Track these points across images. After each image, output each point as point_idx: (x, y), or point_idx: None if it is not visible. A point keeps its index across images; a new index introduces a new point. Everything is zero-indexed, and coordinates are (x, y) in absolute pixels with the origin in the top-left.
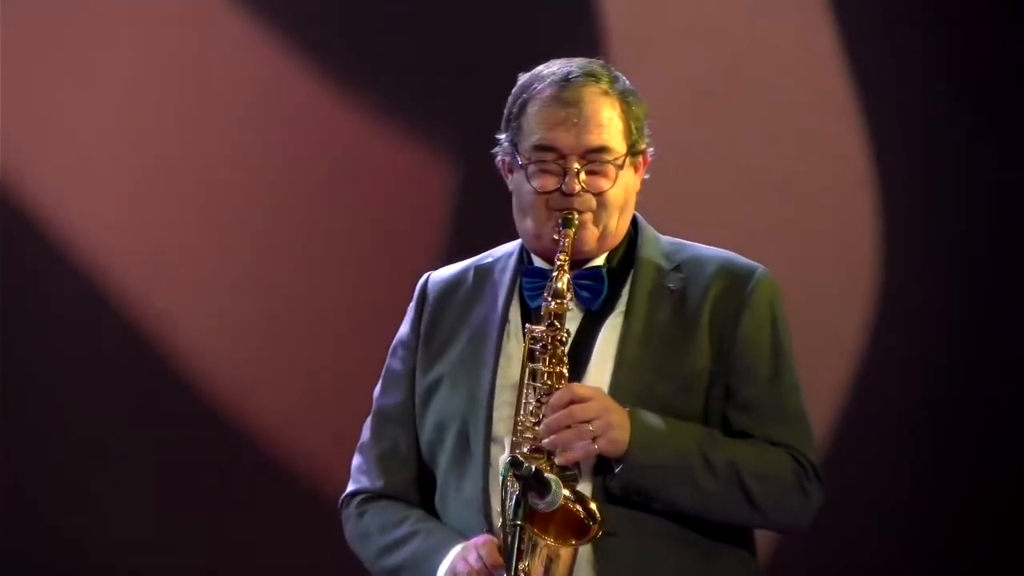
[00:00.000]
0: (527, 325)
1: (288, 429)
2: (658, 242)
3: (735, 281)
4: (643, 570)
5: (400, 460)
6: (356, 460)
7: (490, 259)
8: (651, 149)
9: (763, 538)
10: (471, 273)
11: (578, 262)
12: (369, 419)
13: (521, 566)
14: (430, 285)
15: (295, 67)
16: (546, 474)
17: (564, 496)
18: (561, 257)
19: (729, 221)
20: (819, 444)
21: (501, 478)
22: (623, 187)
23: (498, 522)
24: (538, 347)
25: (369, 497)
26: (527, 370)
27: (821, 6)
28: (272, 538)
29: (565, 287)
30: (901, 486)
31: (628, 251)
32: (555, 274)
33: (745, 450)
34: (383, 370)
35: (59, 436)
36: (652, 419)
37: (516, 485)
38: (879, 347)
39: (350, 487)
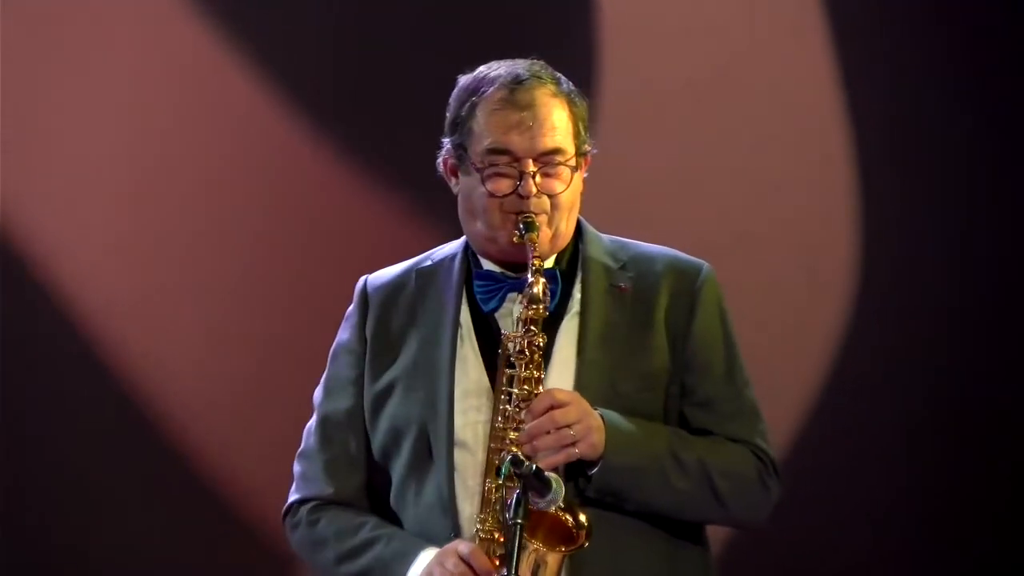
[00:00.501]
0: (504, 332)
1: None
2: (601, 241)
3: (684, 279)
4: (614, 569)
5: (350, 466)
6: (300, 467)
7: (430, 262)
8: (594, 150)
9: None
10: (413, 276)
11: (520, 266)
12: (313, 426)
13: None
14: (370, 289)
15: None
16: (547, 473)
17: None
18: (536, 263)
19: (720, 220)
20: (797, 447)
21: (501, 477)
22: (574, 189)
23: (466, 525)
24: (515, 353)
25: (320, 504)
26: (504, 376)
27: (815, 6)
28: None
29: (541, 292)
30: (894, 486)
31: (574, 252)
32: (531, 280)
33: (711, 448)
34: (324, 376)
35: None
36: (622, 421)
37: (517, 483)
38: (866, 347)
39: (296, 495)
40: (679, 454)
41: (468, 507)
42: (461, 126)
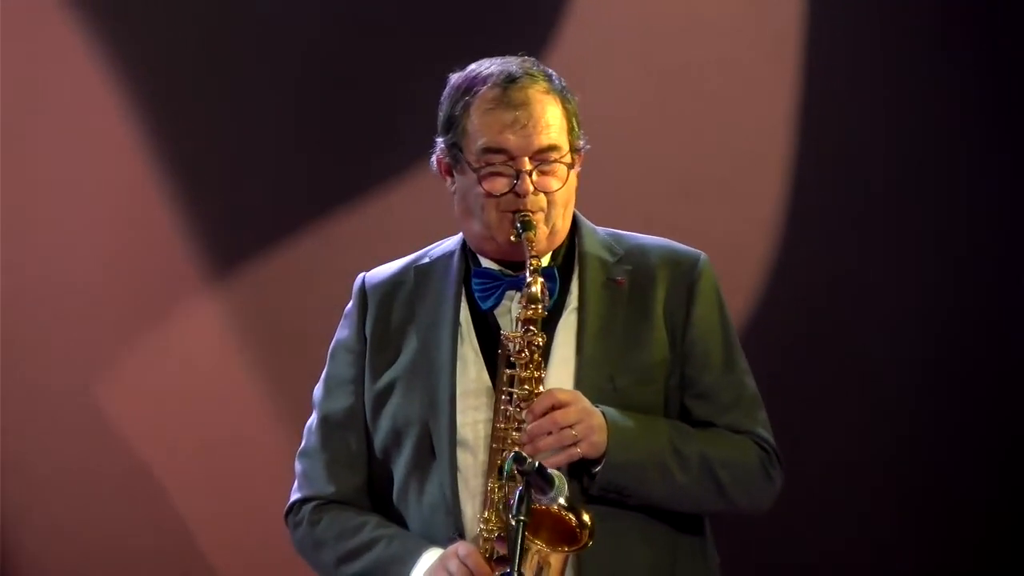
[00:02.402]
0: (503, 332)
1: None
2: (596, 235)
3: (681, 269)
4: (619, 563)
5: (350, 466)
6: (301, 466)
7: (428, 259)
8: (588, 146)
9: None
10: (411, 273)
11: (518, 264)
12: (313, 424)
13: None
14: (368, 286)
15: None
16: (549, 470)
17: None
18: (533, 262)
19: (711, 217)
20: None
21: (504, 475)
22: (569, 186)
23: (469, 525)
24: (515, 353)
25: (322, 504)
26: (504, 376)
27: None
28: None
29: (539, 292)
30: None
31: (570, 247)
32: (529, 279)
33: (712, 440)
34: (324, 375)
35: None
36: (623, 418)
37: (520, 481)
38: (861, 345)
39: (298, 493)
40: (680, 448)
41: (470, 507)
42: (455, 125)
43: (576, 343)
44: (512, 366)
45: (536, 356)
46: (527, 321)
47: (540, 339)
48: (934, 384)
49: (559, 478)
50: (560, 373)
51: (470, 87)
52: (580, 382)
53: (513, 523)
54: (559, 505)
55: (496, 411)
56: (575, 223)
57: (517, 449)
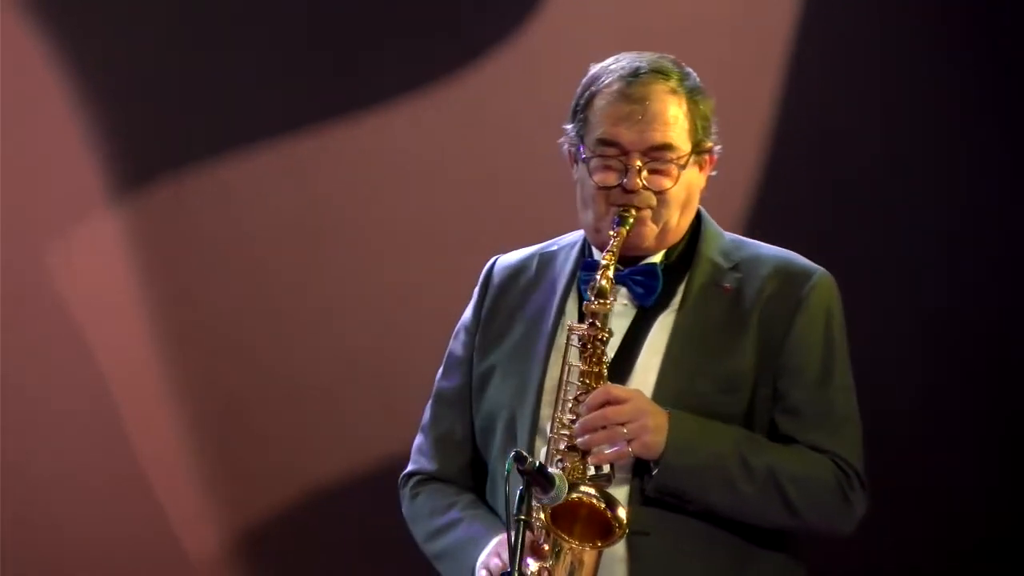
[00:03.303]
0: (570, 324)
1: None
2: (719, 239)
3: (791, 283)
4: (675, 570)
5: (455, 444)
6: (417, 439)
7: (555, 247)
8: (718, 147)
9: None
10: (535, 260)
11: (635, 258)
12: (431, 399)
13: (540, 565)
14: (496, 270)
15: None
16: (550, 469)
17: (587, 494)
18: (606, 257)
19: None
20: None
21: (507, 472)
22: (685, 185)
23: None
24: (579, 346)
25: (424, 479)
26: (567, 368)
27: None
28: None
29: (608, 286)
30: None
31: (688, 247)
32: (598, 274)
33: (785, 454)
34: (446, 352)
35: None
36: (691, 421)
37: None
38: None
39: (409, 466)
40: (748, 458)
41: None
42: (579, 114)
43: (667, 343)
44: (576, 358)
45: (599, 350)
46: (592, 315)
47: (604, 334)
48: (934, 384)
49: (559, 478)
50: (645, 370)
51: (598, 77)
52: (661, 383)
53: (514, 521)
54: (588, 495)
55: (556, 402)
56: (699, 224)
57: (518, 449)
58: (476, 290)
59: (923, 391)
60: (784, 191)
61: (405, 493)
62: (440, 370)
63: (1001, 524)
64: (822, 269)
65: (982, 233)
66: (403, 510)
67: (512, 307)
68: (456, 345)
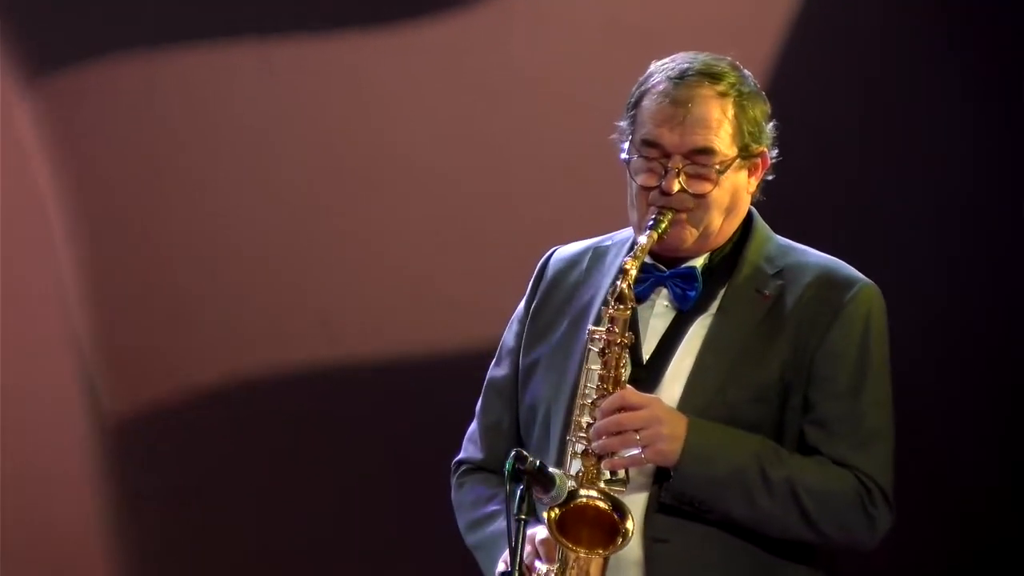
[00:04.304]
0: (590, 327)
1: None
2: (767, 244)
3: (832, 291)
4: (689, 574)
5: (503, 434)
6: (471, 427)
7: (609, 242)
8: (773, 152)
9: None
10: (588, 255)
11: (676, 260)
12: (484, 387)
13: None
14: (551, 262)
15: None
16: (551, 469)
17: (592, 497)
18: (628, 262)
19: None
20: None
21: (506, 472)
22: (728, 189)
23: None
24: (598, 349)
25: (470, 468)
26: (585, 371)
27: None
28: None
29: (628, 292)
30: None
31: (734, 251)
32: (619, 279)
33: (806, 467)
34: (501, 341)
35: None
36: (712, 431)
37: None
38: None
39: (460, 454)
40: (767, 470)
41: None
42: (630, 112)
43: (700, 348)
44: (596, 362)
45: (618, 355)
46: (612, 319)
47: (624, 339)
48: (934, 384)
49: (560, 478)
50: (675, 375)
51: (649, 76)
52: (689, 389)
53: (515, 521)
54: (592, 497)
55: (573, 404)
56: (749, 228)
57: (518, 449)
58: (531, 281)
59: (923, 391)
60: (784, 191)
61: (453, 481)
62: (495, 359)
63: (1001, 524)
64: (867, 280)
65: (982, 233)
66: (452, 497)
67: (561, 302)
68: (509, 335)
